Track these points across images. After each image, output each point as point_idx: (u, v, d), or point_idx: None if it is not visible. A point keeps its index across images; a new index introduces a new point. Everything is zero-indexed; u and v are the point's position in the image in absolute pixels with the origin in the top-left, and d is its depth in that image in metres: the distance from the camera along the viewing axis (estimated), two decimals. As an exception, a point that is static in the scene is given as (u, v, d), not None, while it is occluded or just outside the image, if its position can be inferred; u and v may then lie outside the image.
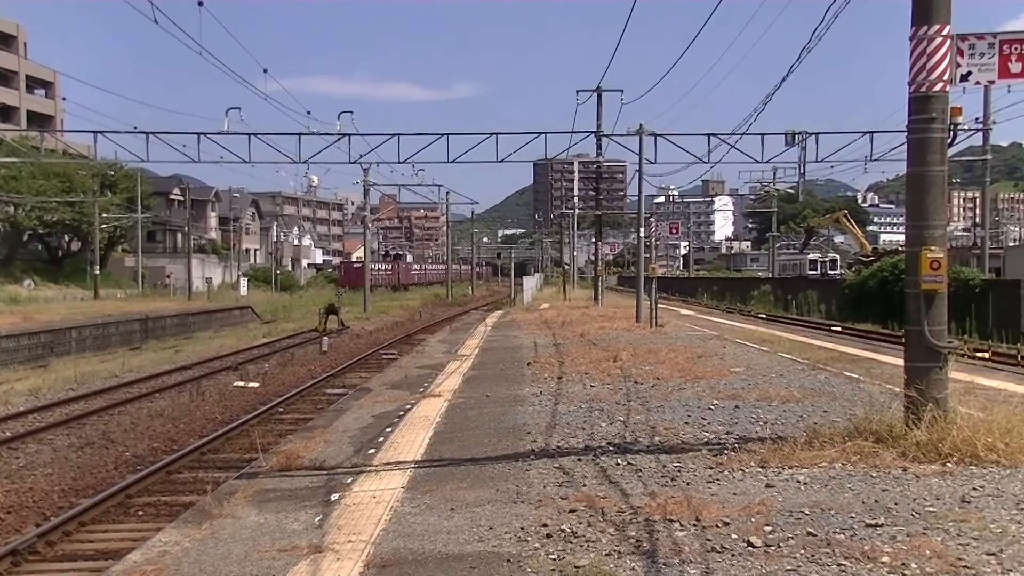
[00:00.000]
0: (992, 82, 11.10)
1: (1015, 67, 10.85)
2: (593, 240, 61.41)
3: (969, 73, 10.79)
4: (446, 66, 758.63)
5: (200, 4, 28.24)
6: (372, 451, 11.62)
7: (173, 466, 14.22)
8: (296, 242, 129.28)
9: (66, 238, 73.85)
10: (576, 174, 65.10)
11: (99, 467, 14.38)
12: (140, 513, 12.00)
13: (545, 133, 38.36)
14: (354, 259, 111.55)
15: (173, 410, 19.69)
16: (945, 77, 9.92)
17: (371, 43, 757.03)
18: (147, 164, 53.17)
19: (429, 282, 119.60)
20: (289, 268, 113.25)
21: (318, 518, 8.42)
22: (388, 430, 13.16)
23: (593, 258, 65.30)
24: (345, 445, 12.37)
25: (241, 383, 24.14)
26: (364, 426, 13.99)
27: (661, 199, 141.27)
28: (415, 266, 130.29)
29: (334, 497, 9.18)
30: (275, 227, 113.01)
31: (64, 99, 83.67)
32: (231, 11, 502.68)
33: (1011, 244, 70.47)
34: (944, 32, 9.86)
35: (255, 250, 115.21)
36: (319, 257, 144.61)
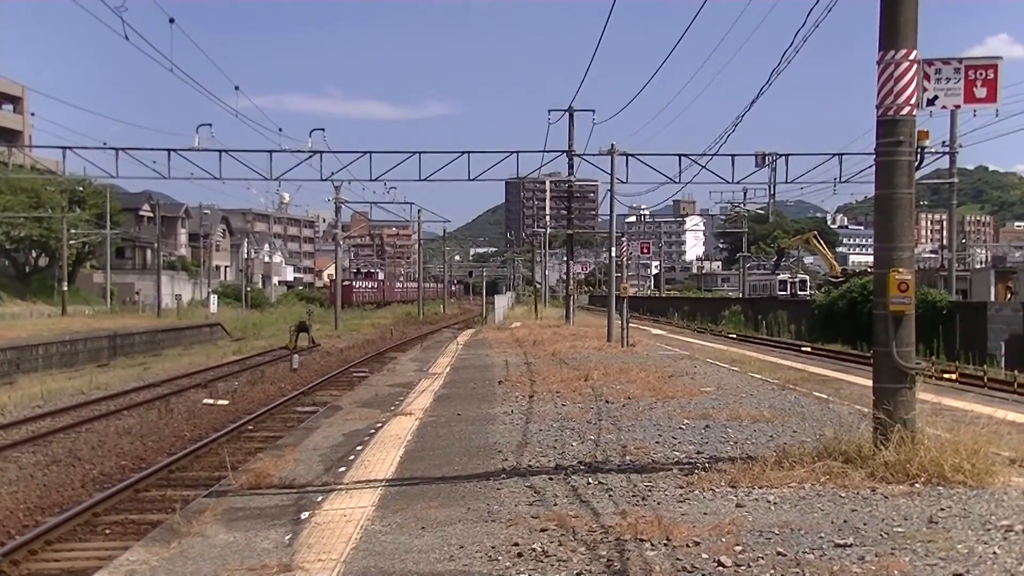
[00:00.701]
0: (958, 106, 11.30)
1: (980, 92, 11.03)
2: (565, 259, 61.55)
3: (936, 97, 10.96)
4: (418, 84, 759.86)
5: (171, 21, 28.17)
6: (342, 469, 11.57)
7: (141, 484, 14.09)
8: (267, 259, 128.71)
9: (33, 254, 73.18)
10: (548, 193, 65.49)
11: (65, 485, 14.22)
12: (107, 531, 11.88)
13: (517, 152, 38.50)
14: (345, 279, 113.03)
15: (141, 428, 19.51)
16: (912, 101, 10.06)
17: (343, 61, 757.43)
18: (116, 180, 52.84)
19: (411, 299, 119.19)
20: (260, 285, 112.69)
21: (288, 536, 8.38)
22: (359, 448, 13.12)
23: (565, 277, 65.42)
24: (315, 463, 12.31)
25: (210, 400, 23.97)
26: (334, 444, 13.94)
27: (632, 218, 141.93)
28: (398, 284, 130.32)
29: (304, 515, 9.14)
30: (246, 244, 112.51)
31: (33, 114, 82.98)
32: (203, 28, 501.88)
33: (977, 266, 71.18)
34: (911, 57, 10.00)
35: (225, 267, 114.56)
36: (290, 274, 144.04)
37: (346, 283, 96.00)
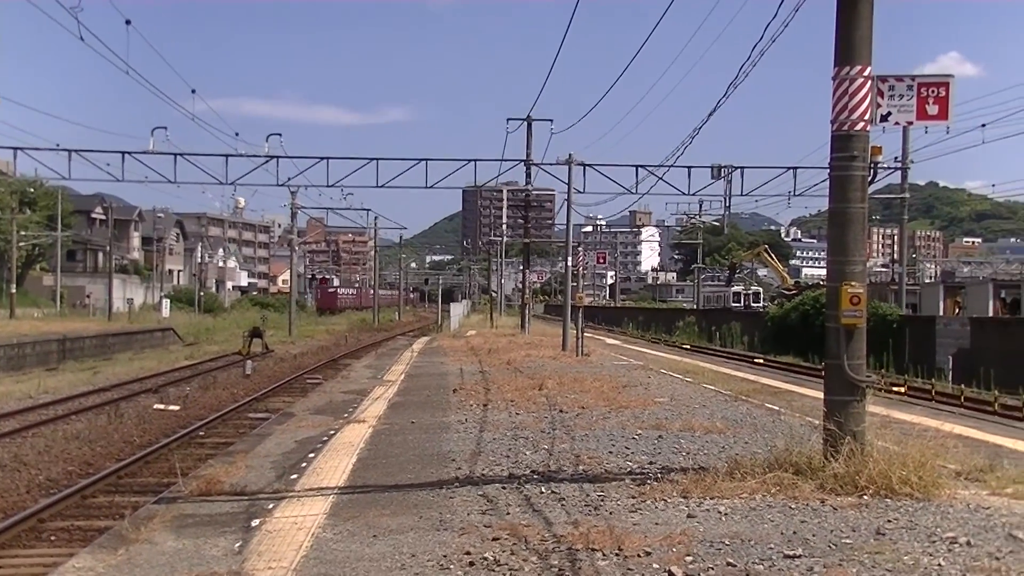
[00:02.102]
0: (910, 123, 11.46)
1: (932, 109, 11.20)
2: (521, 268, 61.64)
3: (889, 113, 11.11)
4: (377, 90, 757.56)
5: (128, 23, 27.94)
6: (294, 476, 11.50)
7: (88, 490, 13.89)
8: (221, 264, 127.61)
9: (-18, 256, 72.13)
10: (505, 202, 65.53)
11: (10, 491, 13.98)
12: (53, 538, 11.69)
13: (475, 160, 38.44)
14: (329, 286, 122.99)
15: (90, 433, 19.24)
16: (866, 117, 10.19)
17: (302, 65, 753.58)
18: (69, 182, 52.03)
19: (382, 305, 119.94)
20: (213, 290, 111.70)
21: (238, 544, 8.30)
22: (311, 455, 13.04)
23: (521, 286, 65.49)
24: (267, 470, 12.22)
25: (161, 406, 23.70)
26: (287, 451, 13.84)
27: (589, 228, 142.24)
28: (370, 291, 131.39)
29: (255, 523, 9.07)
30: (200, 248, 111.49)
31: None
32: (160, 30, 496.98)
33: (927, 281, 72.20)
34: (865, 73, 10.14)
35: (179, 271, 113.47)
36: (244, 279, 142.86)
37: (331, 289, 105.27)
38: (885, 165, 37.29)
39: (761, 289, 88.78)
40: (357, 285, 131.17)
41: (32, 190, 71.99)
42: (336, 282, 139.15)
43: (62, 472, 15.43)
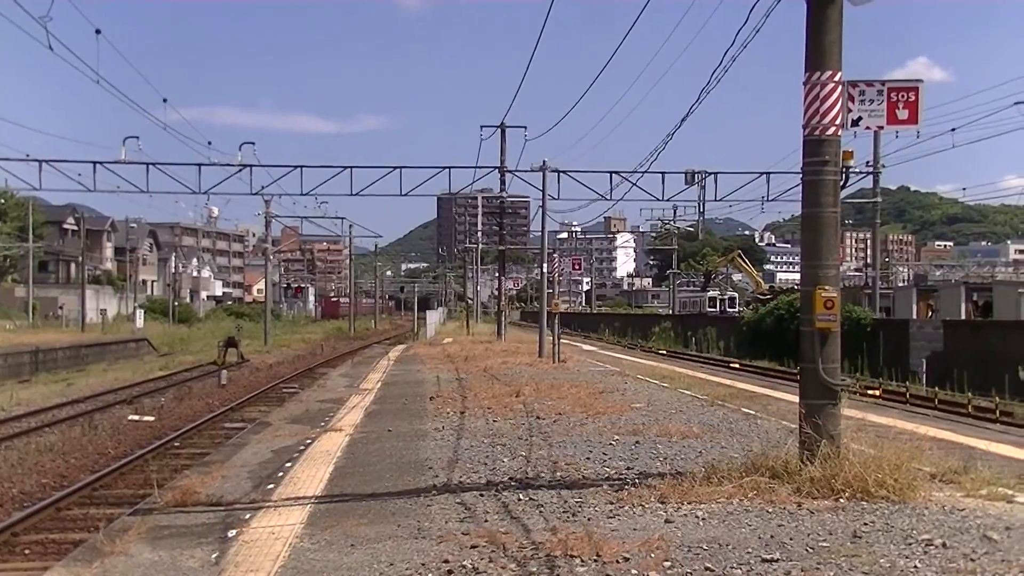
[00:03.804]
0: (881, 127, 11.53)
1: (902, 114, 11.28)
2: (496, 275, 61.65)
3: (860, 118, 11.18)
4: (351, 98, 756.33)
5: (98, 32, 27.79)
6: (271, 486, 11.45)
7: (63, 502, 13.76)
8: (195, 274, 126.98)
9: (-48, 267, 71.51)
10: (480, 209, 65.66)
11: (-17, 504, 13.86)
12: (27, 552, 11.58)
13: (449, 167, 38.47)
14: (333, 296, 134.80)
15: (64, 445, 19.08)
16: (837, 122, 10.27)
17: (275, 74, 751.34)
18: (40, 193, 51.59)
19: (361, 313, 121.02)
20: (188, 300, 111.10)
21: (215, 555, 8.26)
22: (288, 465, 12.98)
23: (496, 293, 65.50)
24: (243, 480, 12.16)
25: (136, 417, 23.54)
26: (263, 461, 13.78)
27: (564, 235, 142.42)
28: (366, 300, 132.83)
29: (231, 533, 9.02)
30: (173, 258, 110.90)
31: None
32: (131, 40, 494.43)
33: (900, 285, 72.68)
34: (836, 78, 10.22)
35: (152, 281, 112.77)
36: (219, 289, 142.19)
37: (334, 299, 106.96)
38: (857, 169, 37.54)
39: (736, 294, 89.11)
40: (359, 295, 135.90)
41: (2, 201, 71.49)
42: (332, 293, 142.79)
43: (36, 485, 15.29)
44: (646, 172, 36.44)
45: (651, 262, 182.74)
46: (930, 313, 45.29)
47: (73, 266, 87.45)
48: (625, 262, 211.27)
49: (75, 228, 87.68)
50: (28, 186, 38.87)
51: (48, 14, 21.10)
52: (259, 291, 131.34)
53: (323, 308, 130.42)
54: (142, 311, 77.10)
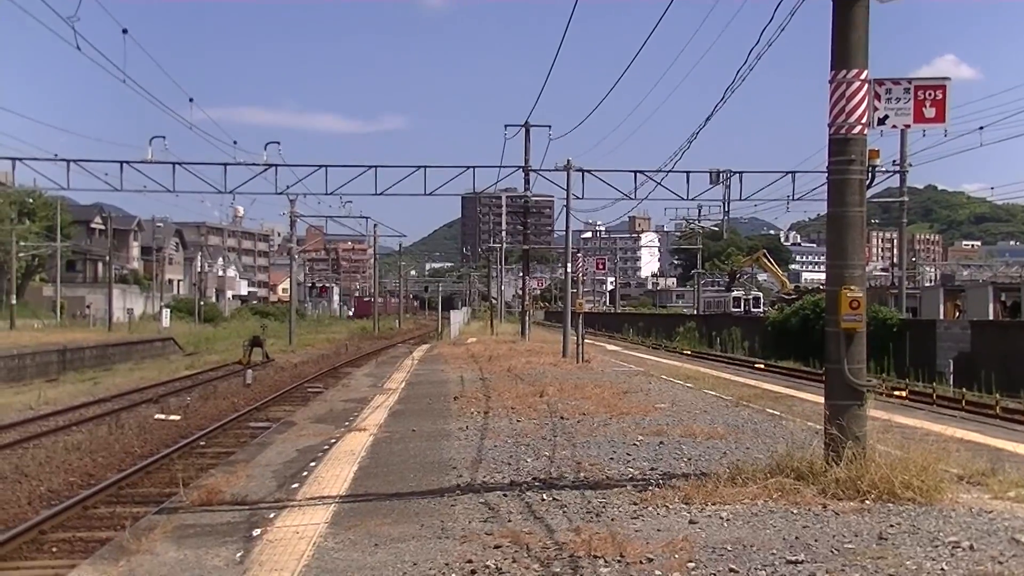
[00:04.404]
0: (908, 126, 11.45)
1: (929, 112, 11.21)
2: (520, 275, 61.65)
3: (886, 117, 11.12)
4: (375, 98, 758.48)
5: (124, 32, 27.93)
6: (295, 486, 11.48)
7: (89, 501, 13.87)
8: (220, 273, 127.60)
9: (-19, 267, 72.08)
10: (504, 208, 65.65)
11: (11, 502, 13.97)
12: (54, 549, 11.67)
13: (473, 167, 38.46)
14: (367, 297, 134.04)
15: (91, 443, 19.22)
16: (863, 120, 10.20)
17: (300, 74, 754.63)
18: (68, 192, 52.04)
19: (385, 313, 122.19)
20: (213, 299, 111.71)
21: (239, 554, 8.29)
22: (312, 464, 13.02)
23: (520, 292, 65.49)
24: (268, 479, 12.21)
25: (162, 416, 23.68)
26: (287, 460, 13.83)
27: (588, 234, 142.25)
28: (394, 300, 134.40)
29: (256, 532, 9.05)
30: (199, 258, 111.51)
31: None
32: (157, 39, 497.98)
33: (926, 285, 72.19)
34: (862, 77, 10.15)
35: (178, 281, 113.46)
36: (244, 288, 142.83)
37: (367, 299, 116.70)
38: (883, 168, 37.29)
39: (761, 294, 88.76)
40: (386, 296, 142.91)
41: (31, 200, 72.02)
42: (363, 293, 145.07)
43: (63, 483, 15.42)
44: (671, 171, 36.35)
45: (675, 262, 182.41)
46: (957, 313, 44.94)
47: (100, 265, 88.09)
48: (649, 262, 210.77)
49: (102, 228, 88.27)
50: (56, 186, 39.44)
51: (76, 14, 21.22)
52: (284, 290, 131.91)
53: (356, 307, 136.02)
54: (168, 310, 77.60)
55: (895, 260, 69.12)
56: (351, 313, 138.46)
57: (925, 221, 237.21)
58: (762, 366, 39.31)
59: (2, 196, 67.73)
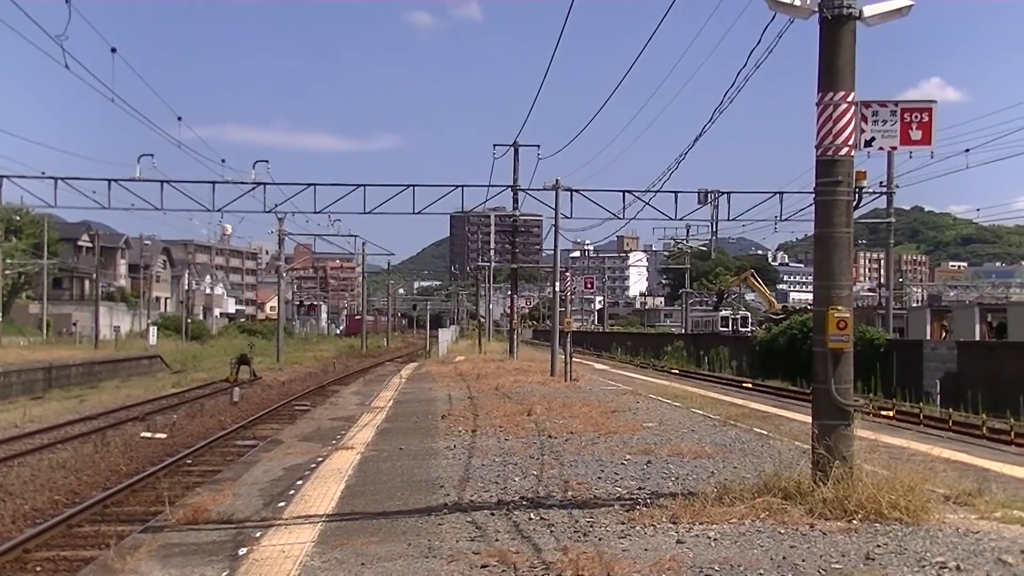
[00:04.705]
0: (894, 148, 11.52)
1: (915, 134, 11.28)
2: (509, 293, 61.65)
3: (873, 139, 11.19)
4: (365, 117, 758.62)
5: (113, 51, 27.95)
6: (282, 504, 11.44)
7: (74, 519, 13.79)
8: (208, 291, 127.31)
9: (-33, 284, 71.77)
10: (492, 227, 65.72)
11: (-4, 520, 13.88)
12: (38, 569, 11.60)
13: (462, 186, 38.63)
14: (357, 315, 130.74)
15: (76, 462, 19.12)
16: (850, 142, 10.26)
17: (290, 93, 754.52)
18: (55, 210, 51.88)
19: (373, 331, 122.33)
20: (201, 317, 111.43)
21: (225, 573, 8.26)
22: (299, 483, 12.98)
23: (508, 311, 65.47)
24: (255, 498, 12.16)
25: (148, 434, 23.58)
26: (275, 479, 13.78)
27: (576, 254, 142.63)
28: (383, 318, 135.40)
29: (242, 551, 9.01)
30: (187, 275, 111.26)
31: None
32: (145, 58, 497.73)
33: (914, 305, 72.43)
34: (849, 99, 10.22)
35: (166, 298, 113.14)
36: (232, 306, 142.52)
37: (357, 317, 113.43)
38: (870, 190, 37.59)
39: (749, 314, 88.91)
40: (375, 314, 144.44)
41: (18, 218, 71.85)
42: (348, 311, 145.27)
43: (48, 501, 15.33)
44: (659, 191, 36.54)
45: (663, 281, 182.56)
46: (944, 334, 45.08)
47: (87, 283, 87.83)
48: (638, 281, 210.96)
49: (89, 245, 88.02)
50: (43, 203, 39.16)
51: (64, 32, 21.22)
52: (272, 308, 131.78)
53: (348, 325, 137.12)
54: (155, 328, 77.34)
55: (882, 280, 69.36)
56: (342, 330, 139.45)
57: (912, 242, 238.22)
58: (750, 385, 39.33)
59: (-11, 213, 67.55)
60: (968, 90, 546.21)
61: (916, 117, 11.32)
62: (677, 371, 52.11)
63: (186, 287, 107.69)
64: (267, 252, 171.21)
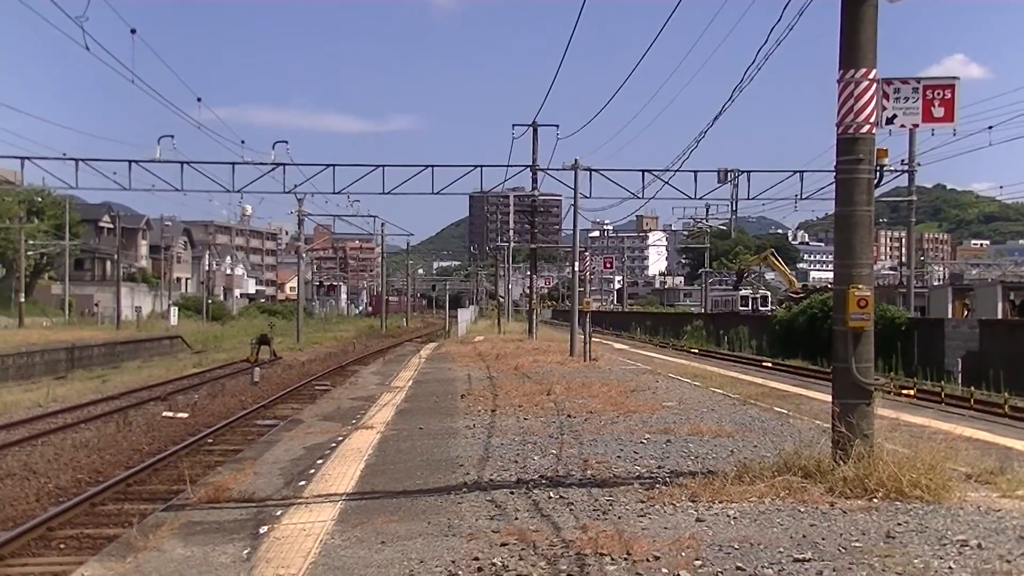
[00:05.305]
0: (916, 125, 11.47)
1: (938, 111, 11.21)
2: (528, 273, 61.62)
3: (894, 116, 11.14)
4: (384, 98, 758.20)
5: (133, 32, 28.02)
6: (303, 483, 11.50)
7: (97, 498, 13.90)
8: (228, 271, 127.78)
9: (-10, 265, 72.27)
10: (511, 207, 65.67)
11: (20, 499, 14.01)
12: (62, 546, 11.71)
13: (481, 166, 38.66)
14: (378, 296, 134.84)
15: (99, 441, 19.28)
16: (871, 120, 10.18)
17: (309, 73, 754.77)
18: (76, 191, 52.37)
19: (394, 311, 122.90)
20: (221, 298, 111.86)
21: (246, 551, 8.30)
22: (319, 462, 13.04)
23: (528, 291, 65.46)
24: (275, 477, 12.22)
25: (170, 413, 23.73)
26: (295, 458, 13.85)
27: (596, 233, 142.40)
28: (404, 298, 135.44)
29: (263, 530, 9.06)
30: (207, 256, 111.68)
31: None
32: (165, 39, 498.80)
33: (935, 284, 71.99)
34: (871, 76, 10.13)
35: (186, 279, 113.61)
36: (252, 287, 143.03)
37: (384, 297, 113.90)
38: (891, 168, 37.21)
39: (769, 293, 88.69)
40: (395, 294, 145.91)
41: (39, 199, 72.18)
42: (373, 291, 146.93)
43: (71, 480, 15.46)
44: (678, 171, 36.41)
45: (683, 261, 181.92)
46: (966, 312, 44.81)
47: (108, 264, 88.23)
48: (657, 260, 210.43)
49: (111, 226, 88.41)
50: (65, 185, 39.38)
51: (84, 14, 21.29)
52: (292, 289, 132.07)
53: (373, 306, 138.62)
54: (176, 309, 77.78)
55: (903, 259, 68.98)
56: (369, 310, 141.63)
57: (934, 220, 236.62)
58: (769, 365, 39.22)
59: (11, 195, 67.86)
60: (992, 66, 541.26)
61: (938, 94, 11.27)
62: (697, 351, 52.01)
63: (206, 268, 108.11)
64: (287, 233, 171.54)
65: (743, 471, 10.08)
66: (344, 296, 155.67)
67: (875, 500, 9.10)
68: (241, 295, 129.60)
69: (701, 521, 8.58)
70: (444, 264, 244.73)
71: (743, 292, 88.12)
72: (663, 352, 48.56)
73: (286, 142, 37.84)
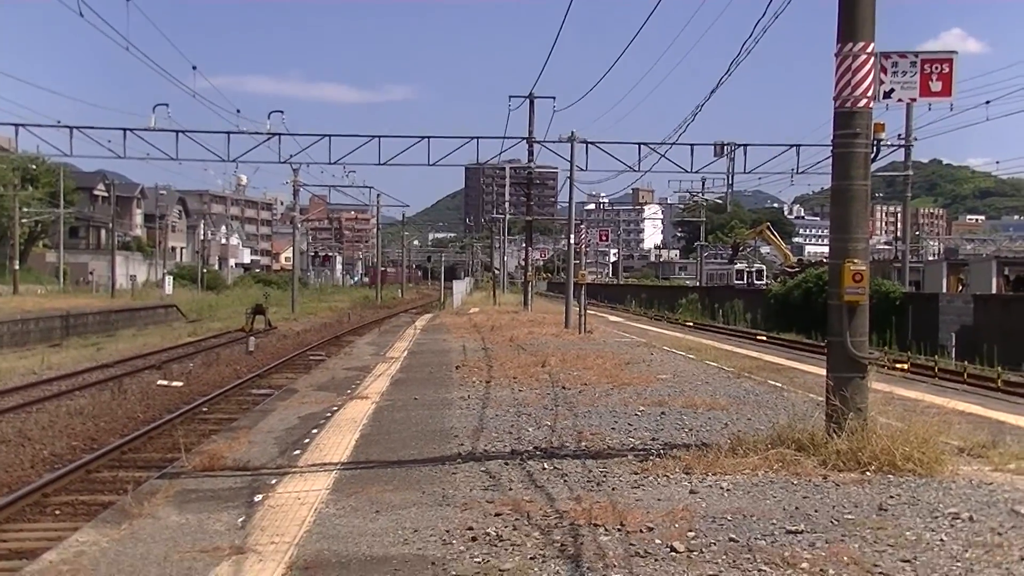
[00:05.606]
0: (913, 100, 11.45)
1: (935, 86, 11.18)
2: (523, 245, 61.58)
3: (892, 90, 11.10)
4: (380, 68, 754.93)
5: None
6: (297, 452, 11.53)
7: (92, 465, 13.93)
8: (223, 241, 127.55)
9: (-16, 232, 71.99)
10: (508, 179, 65.48)
11: (14, 465, 14.04)
12: (57, 512, 11.74)
13: (477, 138, 38.52)
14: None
15: (93, 408, 19.29)
16: (869, 94, 10.15)
17: (305, 43, 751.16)
18: (70, 159, 52.20)
19: (389, 282, 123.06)
20: (216, 267, 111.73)
21: (241, 519, 8.33)
22: (314, 431, 13.07)
23: (523, 263, 65.46)
24: (270, 446, 12.25)
25: (164, 382, 23.76)
26: (290, 427, 13.87)
27: (591, 206, 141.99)
28: (402, 269, 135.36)
29: (257, 498, 9.09)
30: (202, 225, 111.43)
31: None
32: (161, 7, 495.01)
33: (930, 259, 72.08)
34: (868, 50, 10.08)
35: (181, 248, 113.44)
36: (247, 256, 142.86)
37: (382, 269, 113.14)
38: (888, 142, 37.15)
39: (764, 267, 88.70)
40: (390, 265, 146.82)
41: (34, 167, 71.88)
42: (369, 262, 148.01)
43: (66, 447, 15.48)
44: (675, 144, 36.38)
45: (679, 234, 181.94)
46: (960, 287, 44.92)
47: (103, 232, 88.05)
48: (652, 234, 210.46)
49: (105, 195, 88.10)
50: (59, 152, 39.16)
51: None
52: (287, 259, 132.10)
53: (371, 277, 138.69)
54: (171, 278, 77.71)
55: (899, 234, 68.99)
56: (367, 281, 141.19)
57: (929, 195, 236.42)
58: (764, 338, 39.32)
59: (5, 162, 67.54)
60: (989, 41, 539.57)
61: (936, 68, 11.24)
62: (691, 324, 52.10)
63: (201, 237, 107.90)
64: (282, 203, 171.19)
65: (737, 444, 10.11)
66: (339, 267, 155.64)
67: (868, 473, 9.14)
68: (236, 265, 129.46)
69: (695, 493, 8.62)
70: (440, 236, 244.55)
71: (738, 266, 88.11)
72: (658, 325, 48.63)
73: (282, 112, 37.71)
